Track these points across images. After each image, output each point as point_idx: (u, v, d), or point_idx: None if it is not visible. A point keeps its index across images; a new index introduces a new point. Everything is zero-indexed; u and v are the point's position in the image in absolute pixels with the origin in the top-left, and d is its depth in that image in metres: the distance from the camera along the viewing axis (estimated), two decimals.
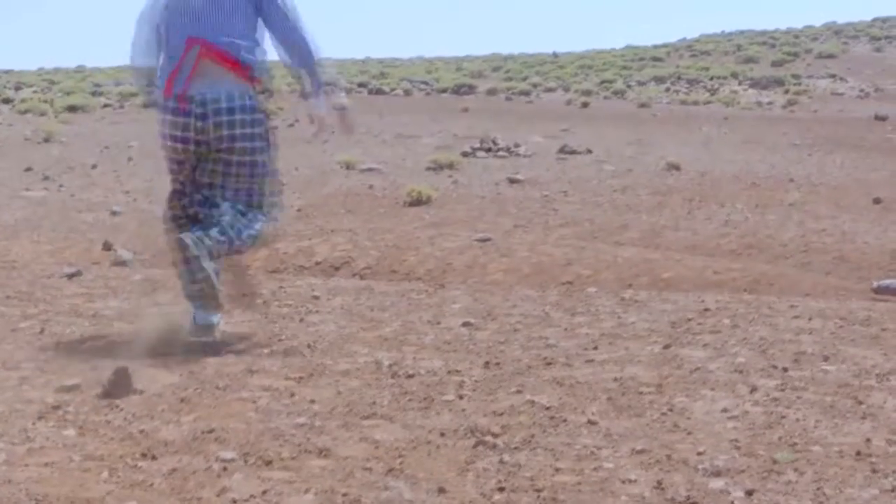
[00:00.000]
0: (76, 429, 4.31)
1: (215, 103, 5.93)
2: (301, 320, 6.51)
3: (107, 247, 10.66)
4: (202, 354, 5.56)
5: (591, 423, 4.37)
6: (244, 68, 6.06)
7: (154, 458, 3.99)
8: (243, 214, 6.01)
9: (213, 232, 5.80)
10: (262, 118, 6.20)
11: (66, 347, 5.86)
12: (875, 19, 73.82)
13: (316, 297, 7.29)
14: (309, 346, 5.78)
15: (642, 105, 35.27)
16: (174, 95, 6.01)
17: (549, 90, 44.50)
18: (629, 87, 44.14)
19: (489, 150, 20.47)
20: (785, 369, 5.13)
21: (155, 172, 16.05)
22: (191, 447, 4.10)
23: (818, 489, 3.65)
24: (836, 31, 69.18)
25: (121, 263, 9.83)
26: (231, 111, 5.95)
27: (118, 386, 4.79)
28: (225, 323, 6.13)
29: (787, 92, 41.86)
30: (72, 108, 32.79)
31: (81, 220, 12.86)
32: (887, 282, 9.29)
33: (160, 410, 4.56)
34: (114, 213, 13.30)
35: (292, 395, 4.81)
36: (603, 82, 46.02)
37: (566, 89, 44.02)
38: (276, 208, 6.29)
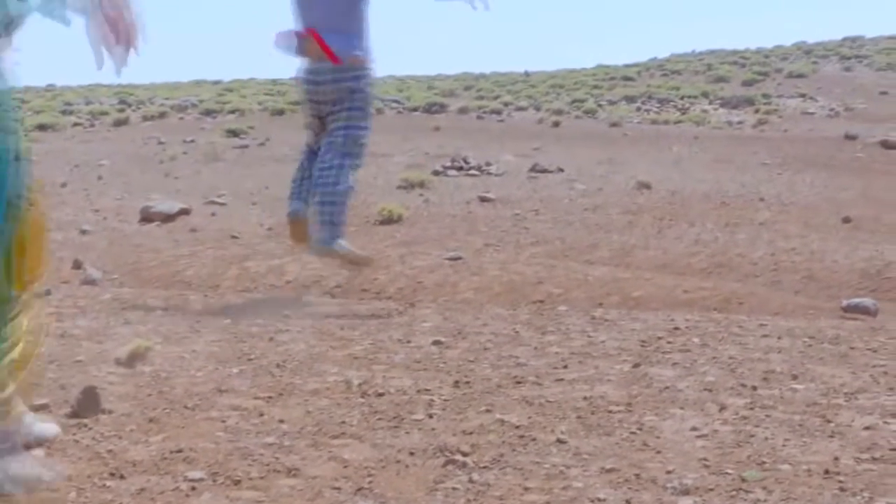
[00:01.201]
0: (44, 448, 4.29)
1: None
2: (271, 339, 6.49)
3: (76, 265, 10.63)
4: (171, 374, 5.55)
5: (560, 442, 4.37)
6: None
7: (122, 477, 3.97)
8: None
9: None
10: None
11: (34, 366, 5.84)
12: (845, 39, 74.28)
13: (286, 316, 7.28)
14: (278, 365, 5.77)
15: (613, 124, 35.31)
16: None
17: (521, 109, 44.55)
18: (600, 106, 44.24)
19: (460, 168, 20.48)
20: (754, 388, 5.15)
21: (125, 191, 16.05)
22: (159, 467, 4.09)
23: None
24: (806, 50, 69.53)
25: (90, 282, 9.80)
26: None
27: (86, 405, 4.78)
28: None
29: (757, 111, 42.01)
30: (41, 127, 32.65)
31: (51, 239, 12.80)
32: (856, 300, 9.34)
33: (128, 430, 4.55)
34: (83, 232, 13.26)
35: (261, 414, 4.80)
36: (574, 101, 46.11)
37: (537, 108, 44.10)
38: None
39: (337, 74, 8.11)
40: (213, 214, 14.74)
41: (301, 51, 8.19)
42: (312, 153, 8.42)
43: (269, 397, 5.09)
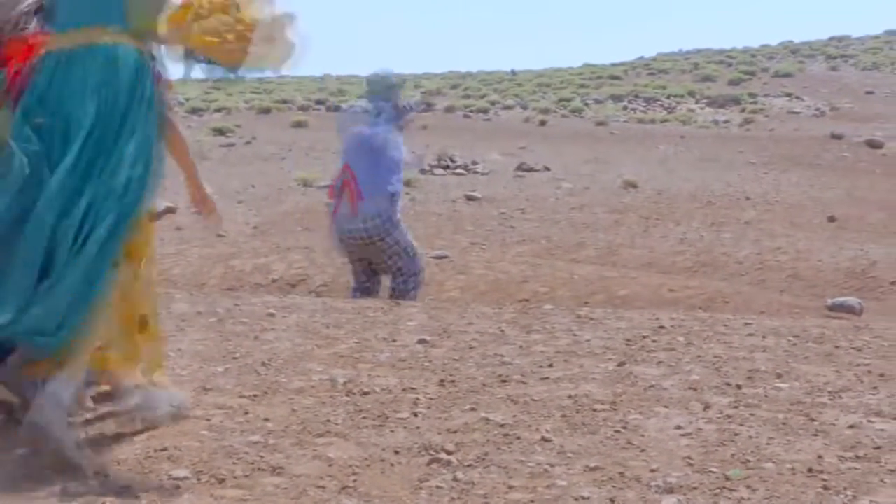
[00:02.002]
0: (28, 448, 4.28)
1: None
2: (256, 338, 6.48)
3: None
4: None
5: (544, 440, 4.38)
6: None
7: (107, 476, 3.97)
8: None
9: None
10: None
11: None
12: (831, 38, 74.42)
13: (271, 315, 7.27)
14: (263, 363, 5.76)
15: (600, 123, 35.34)
16: None
17: (507, 108, 44.55)
18: (587, 105, 44.25)
19: (447, 167, 20.51)
20: (738, 387, 5.16)
21: None
22: (143, 465, 4.08)
23: None
24: (792, 50, 69.61)
25: None
26: None
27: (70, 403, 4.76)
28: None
29: (743, 110, 42.07)
30: None
31: None
32: (841, 300, 9.37)
33: (113, 428, 4.54)
34: None
35: (246, 413, 4.80)
36: (561, 100, 46.11)
37: (524, 107, 44.10)
38: None
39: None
40: (198, 213, 14.68)
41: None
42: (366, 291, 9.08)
43: (254, 396, 5.08)
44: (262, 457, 4.18)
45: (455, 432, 4.50)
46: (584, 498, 3.75)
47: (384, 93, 9.15)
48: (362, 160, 8.86)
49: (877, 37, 73.39)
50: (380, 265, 9.00)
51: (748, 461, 4.10)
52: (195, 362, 5.82)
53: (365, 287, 9.09)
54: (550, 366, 5.68)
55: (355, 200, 8.79)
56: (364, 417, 4.73)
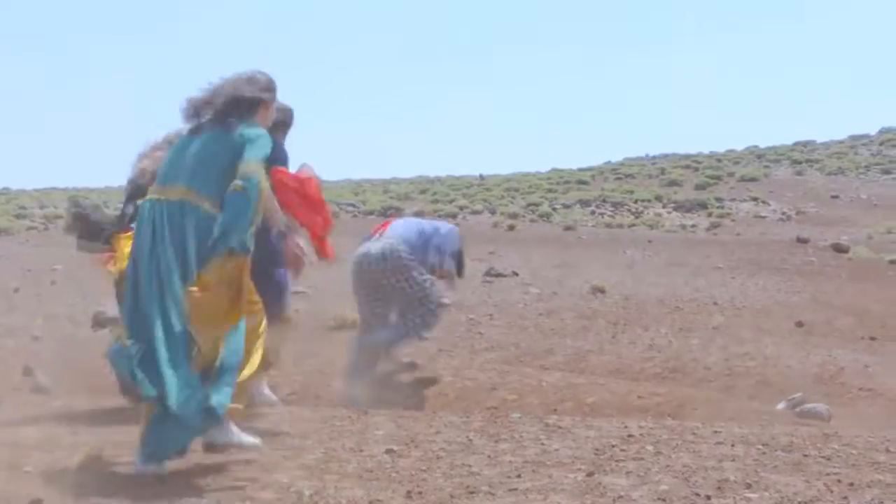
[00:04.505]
0: None
1: None
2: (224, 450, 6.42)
3: (26, 372, 10.50)
4: (116, 492, 5.48)
5: None
6: None
7: None
8: None
9: None
10: None
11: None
12: (796, 143, 75.06)
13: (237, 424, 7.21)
14: (231, 475, 5.71)
15: (568, 228, 35.45)
16: None
17: (476, 213, 44.70)
18: (555, 209, 44.44)
19: None
20: (708, 497, 5.14)
21: (78, 297, 15.95)
22: None
23: None
24: (757, 154, 70.12)
25: (40, 390, 9.69)
26: None
27: None
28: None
29: (710, 215, 42.32)
30: None
31: (1, 346, 12.68)
32: (810, 406, 9.37)
33: None
34: (35, 338, 13.13)
35: None
36: (529, 205, 46.31)
37: (492, 212, 44.27)
38: None
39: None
40: None
41: None
42: None
43: None
44: None
45: None
46: None
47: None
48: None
49: (841, 142, 74.13)
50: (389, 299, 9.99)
51: None
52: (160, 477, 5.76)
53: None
54: (519, 476, 5.66)
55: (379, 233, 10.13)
56: None
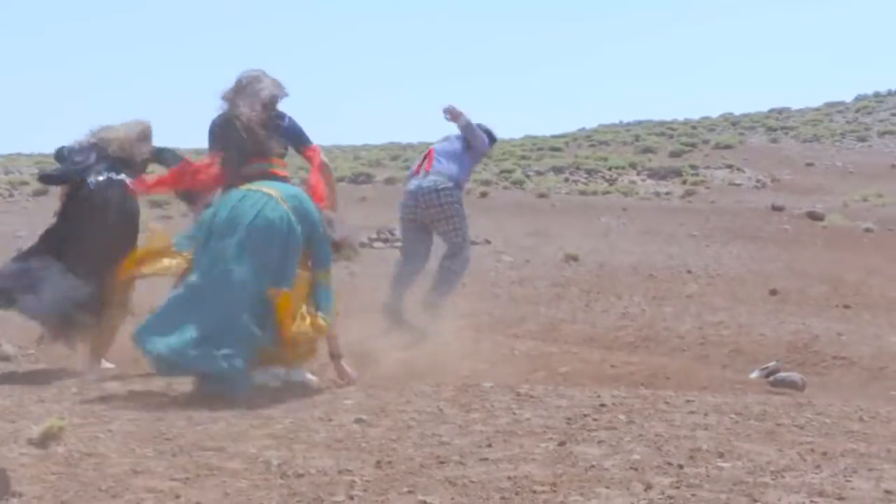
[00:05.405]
0: None
1: None
2: (189, 418, 6.41)
3: None
4: (85, 455, 5.46)
5: None
6: None
7: None
8: None
9: None
10: None
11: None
12: (771, 110, 75.19)
13: (206, 393, 7.20)
14: (196, 444, 5.69)
15: (541, 195, 35.43)
16: None
17: None
18: (528, 177, 44.36)
19: (387, 240, 20.47)
20: (680, 466, 5.15)
21: None
22: None
23: None
24: (732, 122, 70.17)
25: (4, 358, 9.64)
26: None
27: None
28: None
29: (684, 182, 42.32)
30: None
31: None
32: (783, 374, 9.40)
33: None
34: None
35: (177, 496, 4.73)
36: (502, 172, 46.21)
37: None
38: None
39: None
40: None
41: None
42: None
43: (186, 479, 5.02)
44: None
45: None
46: None
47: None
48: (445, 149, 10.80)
49: (817, 109, 74.32)
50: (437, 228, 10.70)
51: None
52: (126, 444, 5.74)
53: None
54: (490, 446, 5.65)
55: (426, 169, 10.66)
56: (298, 501, 4.68)
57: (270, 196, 7.57)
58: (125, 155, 8.87)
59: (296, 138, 8.15)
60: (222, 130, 7.96)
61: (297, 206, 7.63)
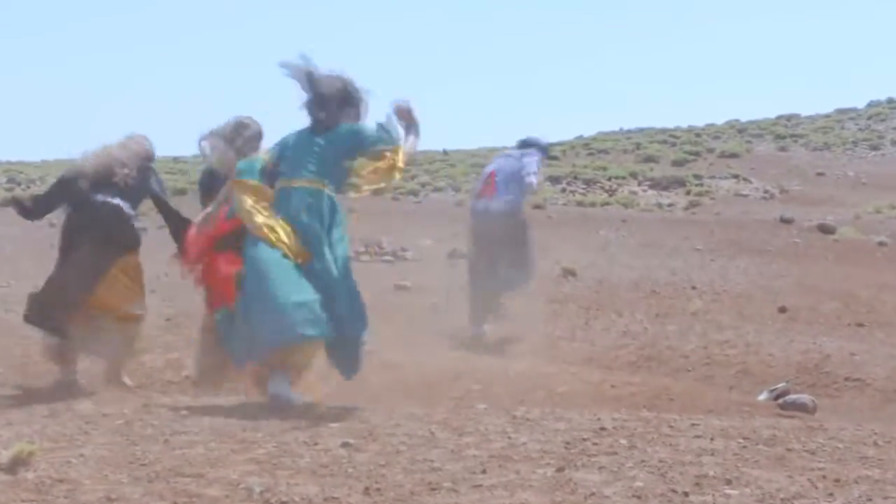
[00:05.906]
0: None
1: None
2: (166, 441, 6.40)
3: None
4: (56, 481, 5.44)
5: None
6: None
7: None
8: None
9: None
10: None
11: None
12: (779, 117, 75.15)
13: (184, 416, 7.19)
14: (173, 470, 5.68)
15: (537, 206, 35.37)
16: None
17: (438, 190, 44.57)
18: None
19: (374, 254, 20.44)
20: (685, 494, 5.14)
21: (12, 277, 15.84)
22: None
23: None
24: (739, 129, 70.15)
25: None
26: None
27: None
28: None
29: (688, 193, 42.33)
30: None
31: None
32: (793, 396, 9.40)
33: None
34: None
35: None
36: None
37: (456, 189, 44.11)
38: None
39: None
40: None
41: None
42: None
43: None
44: None
45: None
46: None
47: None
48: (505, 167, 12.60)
49: (827, 115, 74.31)
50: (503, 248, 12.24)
51: None
52: (99, 469, 5.73)
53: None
54: (484, 472, 5.64)
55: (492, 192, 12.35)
56: None
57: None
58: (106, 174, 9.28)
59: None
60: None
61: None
